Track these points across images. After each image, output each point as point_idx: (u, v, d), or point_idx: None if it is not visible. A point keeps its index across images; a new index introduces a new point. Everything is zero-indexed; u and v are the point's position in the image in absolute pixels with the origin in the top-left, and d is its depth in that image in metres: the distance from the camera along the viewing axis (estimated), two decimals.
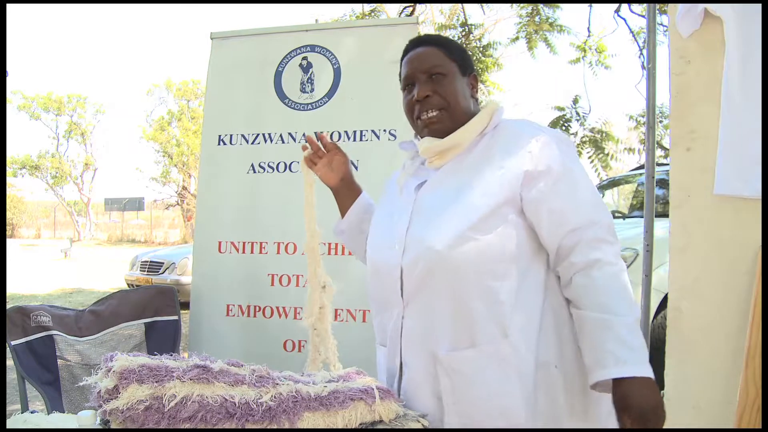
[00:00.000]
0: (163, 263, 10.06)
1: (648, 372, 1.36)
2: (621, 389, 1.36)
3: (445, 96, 1.64)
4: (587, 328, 1.43)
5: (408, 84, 1.69)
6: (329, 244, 3.33)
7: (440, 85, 1.64)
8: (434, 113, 1.64)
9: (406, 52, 1.73)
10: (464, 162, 1.61)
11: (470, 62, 1.74)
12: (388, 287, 1.61)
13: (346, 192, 1.95)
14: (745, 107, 2.09)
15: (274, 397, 1.37)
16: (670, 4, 2.40)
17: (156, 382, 1.33)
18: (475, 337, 1.49)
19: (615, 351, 1.36)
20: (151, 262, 10.27)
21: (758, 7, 2.06)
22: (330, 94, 3.52)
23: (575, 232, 1.47)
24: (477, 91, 1.73)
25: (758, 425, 1.85)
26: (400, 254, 1.57)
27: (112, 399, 1.31)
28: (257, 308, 3.47)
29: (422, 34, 1.84)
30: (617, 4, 7.25)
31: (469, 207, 1.50)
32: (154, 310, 3.29)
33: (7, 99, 28.82)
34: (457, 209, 1.51)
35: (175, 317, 3.32)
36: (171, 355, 1.47)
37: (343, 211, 1.97)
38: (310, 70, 3.58)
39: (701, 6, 2.15)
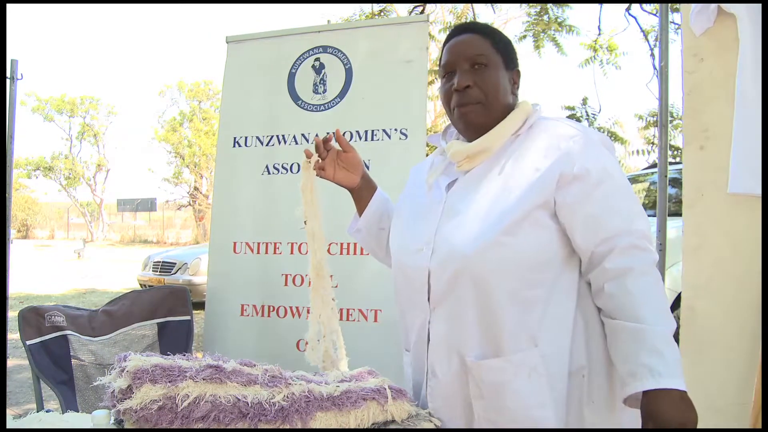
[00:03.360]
0: (175, 263, 10.10)
1: (681, 385, 1.29)
2: (652, 401, 1.29)
3: (485, 88, 1.55)
4: (620, 338, 1.37)
5: (448, 71, 1.60)
6: (341, 243, 3.33)
7: (482, 76, 1.55)
8: (472, 106, 1.55)
9: (449, 37, 1.63)
10: (496, 164, 1.53)
11: (515, 56, 1.64)
12: (414, 290, 1.56)
13: (365, 191, 1.90)
14: (760, 105, 2.07)
15: (287, 397, 1.37)
16: (683, 4, 2.39)
17: (169, 382, 1.33)
18: (503, 345, 1.44)
19: (649, 363, 1.30)
20: (163, 262, 10.32)
21: None
22: (342, 94, 3.53)
23: (610, 239, 1.41)
24: (518, 88, 1.64)
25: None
26: (429, 257, 1.52)
27: (125, 399, 1.31)
28: (271, 308, 3.48)
29: (468, 21, 1.77)
30: (628, 3, 7.21)
31: (501, 211, 1.44)
32: (167, 311, 3.30)
33: (22, 102, 29.07)
34: (488, 213, 1.45)
35: (188, 317, 3.33)
36: (184, 355, 1.48)
37: (361, 209, 1.91)
38: (323, 71, 3.59)
39: (714, 4, 2.14)
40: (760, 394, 1.85)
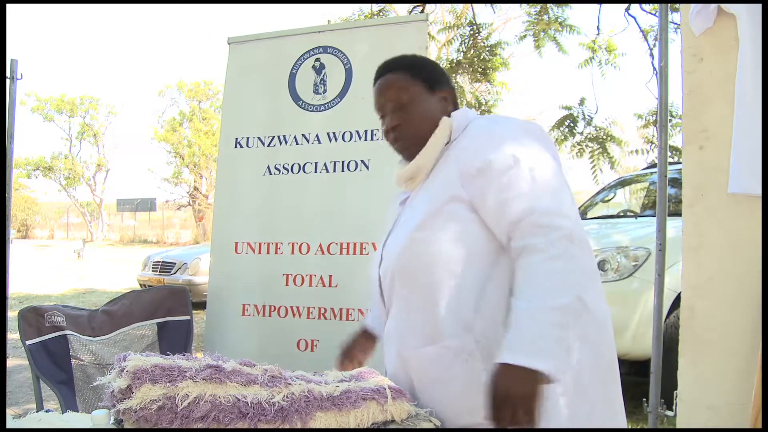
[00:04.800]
0: (175, 263, 10.09)
1: (525, 362, 1.29)
2: (502, 373, 1.31)
3: (411, 124, 1.66)
4: (511, 316, 1.39)
5: (380, 115, 1.74)
6: (341, 243, 3.34)
7: (406, 112, 1.67)
8: (404, 141, 1.68)
9: (375, 80, 1.77)
10: (429, 176, 1.65)
11: (440, 77, 1.74)
12: (376, 296, 1.73)
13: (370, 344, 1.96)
14: (759, 105, 2.07)
15: (287, 396, 1.37)
16: (682, 4, 2.38)
17: (169, 382, 1.34)
18: (438, 335, 1.51)
19: (508, 338, 1.34)
20: (163, 262, 10.31)
21: None
22: (342, 94, 3.53)
23: (515, 222, 1.42)
24: (454, 103, 1.73)
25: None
26: (381, 265, 1.69)
27: (125, 399, 1.31)
28: (272, 308, 3.49)
29: (387, 60, 1.81)
30: (628, 3, 7.20)
31: (415, 211, 1.60)
32: (167, 311, 3.30)
33: (21, 101, 29.07)
34: (412, 217, 1.59)
35: (188, 317, 3.33)
36: (183, 355, 1.48)
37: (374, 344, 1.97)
38: (323, 71, 3.60)
39: (714, 4, 2.14)
40: (760, 394, 1.85)
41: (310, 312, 3.38)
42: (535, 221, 1.40)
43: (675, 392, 2.28)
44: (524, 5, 8.08)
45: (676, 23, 5.14)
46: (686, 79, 2.30)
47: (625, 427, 1.57)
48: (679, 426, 2.23)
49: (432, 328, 1.52)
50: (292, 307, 3.44)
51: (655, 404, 2.79)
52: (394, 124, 1.68)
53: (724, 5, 2.12)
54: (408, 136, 1.67)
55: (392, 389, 1.47)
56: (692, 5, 2.20)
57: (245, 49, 3.85)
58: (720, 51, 2.20)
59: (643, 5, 7.35)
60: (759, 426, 1.85)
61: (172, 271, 9.96)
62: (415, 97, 1.67)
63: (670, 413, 2.94)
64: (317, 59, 3.63)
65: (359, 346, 1.91)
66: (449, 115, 1.67)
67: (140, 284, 10.22)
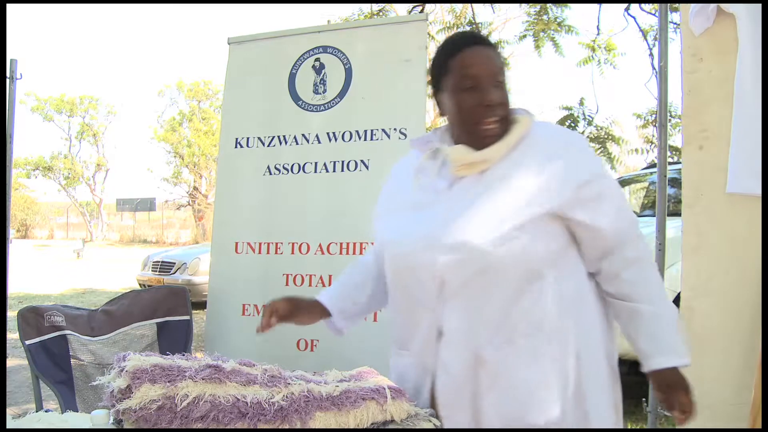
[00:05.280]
0: (174, 263, 10.09)
1: (684, 361, 1.56)
2: (671, 373, 1.55)
3: (505, 105, 1.58)
4: (641, 320, 1.56)
5: (470, 86, 1.56)
6: (341, 243, 3.35)
7: (503, 93, 1.57)
8: (498, 122, 1.56)
9: (458, 47, 1.60)
10: (499, 169, 1.56)
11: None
12: (422, 287, 1.57)
13: (307, 312, 1.86)
14: (759, 105, 2.07)
15: (286, 396, 1.37)
16: (682, 4, 2.39)
17: (168, 381, 1.34)
18: (515, 333, 1.51)
19: (672, 343, 1.56)
20: (162, 262, 10.32)
21: None
22: (342, 94, 3.53)
23: (623, 232, 1.57)
24: None
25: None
26: (441, 255, 1.53)
27: (125, 398, 1.31)
28: None
29: (465, 31, 1.76)
30: (627, 3, 7.20)
31: (514, 210, 1.50)
32: (166, 310, 3.30)
33: (21, 101, 29.05)
34: (501, 211, 1.51)
35: (187, 317, 3.33)
36: (183, 355, 1.48)
37: (320, 318, 1.87)
38: (323, 71, 3.60)
39: (713, 4, 2.14)
40: (760, 394, 1.85)
41: None
42: (639, 234, 1.60)
43: None
44: (524, 5, 8.08)
45: (675, 23, 5.14)
46: (686, 79, 2.30)
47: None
48: (680, 426, 2.23)
49: (508, 327, 1.51)
50: None
51: (655, 404, 2.79)
52: (498, 101, 1.55)
53: (723, 5, 2.12)
54: (501, 116, 1.56)
55: (392, 389, 1.47)
56: (692, 5, 2.20)
57: (245, 49, 3.85)
58: (720, 51, 2.20)
59: (643, 5, 7.34)
60: (759, 426, 1.85)
61: (172, 271, 9.97)
62: (505, 82, 1.59)
63: (668, 412, 2.95)
64: (317, 59, 3.62)
65: (305, 311, 1.82)
66: None
67: (140, 284, 10.23)
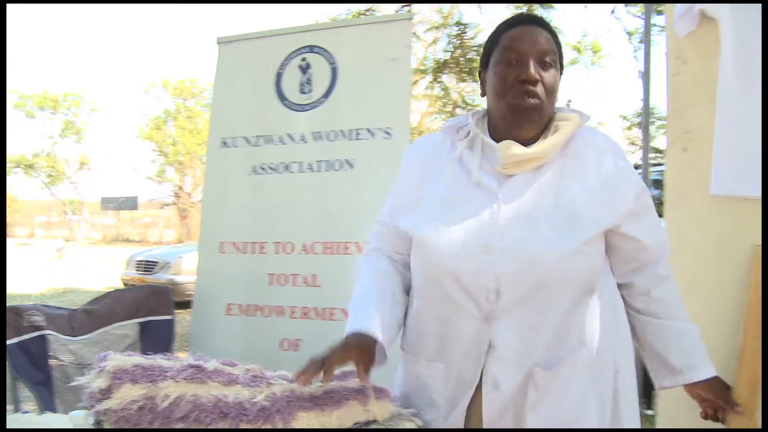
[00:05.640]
0: (158, 262, 10.04)
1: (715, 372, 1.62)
2: (713, 382, 1.61)
3: (548, 88, 1.48)
4: (671, 335, 1.59)
5: (513, 60, 1.48)
6: (324, 243, 3.36)
7: (548, 74, 1.48)
8: (536, 101, 1.47)
9: (511, 25, 1.53)
10: (550, 171, 1.49)
11: (563, 64, 1.59)
12: (469, 295, 1.45)
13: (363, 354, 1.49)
14: (741, 108, 2.09)
15: (268, 396, 1.36)
16: (667, 5, 2.40)
17: (150, 382, 1.32)
18: (565, 350, 1.45)
19: (703, 356, 1.60)
20: (146, 261, 10.26)
21: (756, 8, 2.06)
22: (327, 93, 3.53)
23: (657, 250, 1.59)
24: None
25: (753, 426, 1.85)
26: (499, 261, 1.41)
27: (105, 399, 1.30)
28: (256, 307, 3.50)
29: (533, 14, 1.71)
30: (613, 5, 7.26)
31: (586, 223, 1.43)
32: (149, 310, 3.28)
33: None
34: (564, 222, 1.42)
35: (170, 317, 3.31)
36: (165, 355, 1.47)
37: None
38: (309, 71, 3.60)
39: (698, 7, 2.16)
40: (738, 395, 1.86)
41: (294, 311, 3.38)
42: (666, 253, 1.63)
43: (654, 391, 2.30)
44: (511, 5, 8.11)
45: (660, 26, 5.18)
46: (670, 82, 2.31)
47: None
48: (659, 424, 2.25)
49: (559, 344, 1.44)
50: (275, 307, 3.44)
51: (636, 403, 2.80)
52: (537, 76, 1.46)
53: (706, 9, 2.14)
54: (539, 96, 1.47)
55: (375, 389, 1.46)
56: (676, 8, 2.21)
57: (234, 49, 3.86)
58: (703, 54, 2.21)
59: (629, 8, 7.40)
60: (756, 426, 1.86)
61: (155, 271, 9.93)
62: (555, 67, 1.51)
63: (650, 412, 2.99)
64: (303, 59, 3.63)
65: (357, 357, 1.46)
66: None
67: (124, 283, 10.18)
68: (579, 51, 8.06)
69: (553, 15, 7.77)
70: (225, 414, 1.31)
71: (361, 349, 1.46)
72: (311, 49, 3.62)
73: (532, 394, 1.43)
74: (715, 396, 1.63)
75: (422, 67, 9.65)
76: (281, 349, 3.37)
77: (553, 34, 1.54)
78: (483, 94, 1.60)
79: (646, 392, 2.91)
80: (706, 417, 1.69)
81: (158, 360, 1.41)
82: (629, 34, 7.53)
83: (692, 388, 1.64)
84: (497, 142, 1.50)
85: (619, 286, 1.61)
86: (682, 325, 1.60)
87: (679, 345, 1.59)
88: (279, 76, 3.66)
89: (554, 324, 1.44)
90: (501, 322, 1.43)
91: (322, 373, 1.39)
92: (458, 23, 8.67)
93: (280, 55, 3.68)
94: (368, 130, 3.37)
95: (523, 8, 7.62)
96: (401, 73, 3.39)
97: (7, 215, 36.69)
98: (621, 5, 7.34)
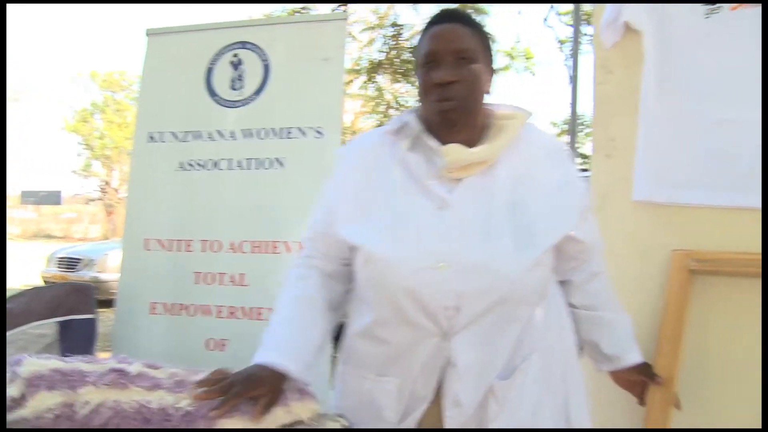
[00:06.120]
0: (81, 260, 9.74)
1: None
2: (643, 366, 1.74)
3: (469, 85, 1.44)
4: (606, 326, 1.67)
5: (430, 61, 1.45)
6: (252, 242, 3.33)
7: (467, 71, 1.43)
8: (453, 102, 1.42)
9: (431, 24, 1.50)
10: (498, 175, 1.46)
11: (493, 55, 1.55)
12: (425, 311, 1.40)
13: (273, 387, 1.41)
14: (662, 117, 2.17)
15: (192, 403, 1.33)
16: (594, 15, 2.46)
17: (69, 388, 1.28)
18: (518, 358, 1.46)
19: (633, 344, 1.71)
20: (69, 258, 9.93)
21: (678, 21, 2.14)
22: (259, 90, 3.49)
23: (596, 251, 1.66)
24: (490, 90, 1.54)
25: (665, 425, 1.92)
26: (460, 278, 1.37)
27: (17, 408, 1.24)
28: (181, 306, 3.42)
29: (450, 8, 1.66)
30: (546, 13, 7.43)
31: (545, 232, 1.43)
32: (69, 309, 3.16)
33: None
34: (520, 233, 1.40)
35: (92, 316, 3.20)
36: (85, 357, 1.42)
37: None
38: (241, 67, 3.55)
39: (623, 18, 2.22)
40: (653, 394, 1.92)
41: (220, 311, 3.33)
42: (600, 248, 1.69)
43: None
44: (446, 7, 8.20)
45: (589, 35, 5.33)
46: (596, 90, 2.37)
47: None
48: (593, 426, 2.30)
49: (514, 353, 1.44)
50: (201, 306, 3.38)
51: (585, 407, 2.87)
52: (450, 79, 1.41)
53: (631, 21, 2.21)
54: (459, 96, 1.42)
55: (297, 389, 1.43)
56: (602, 19, 2.27)
57: (163, 42, 3.76)
58: (628, 64, 2.28)
59: (561, 16, 7.59)
60: (666, 425, 1.92)
61: (78, 268, 9.61)
62: (476, 62, 1.45)
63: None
64: (235, 54, 3.57)
65: (264, 393, 1.36)
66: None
67: (44, 281, 9.80)
68: (512, 57, 8.22)
69: (487, 21, 7.90)
70: (148, 420, 1.28)
71: (270, 386, 1.37)
72: (243, 45, 3.57)
73: (492, 406, 1.42)
74: (640, 375, 1.74)
75: (357, 67, 9.67)
76: (207, 349, 3.32)
77: (475, 27, 1.51)
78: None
79: None
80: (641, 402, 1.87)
81: (78, 363, 1.37)
82: (561, 42, 7.72)
83: (620, 375, 1.75)
84: (438, 142, 1.47)
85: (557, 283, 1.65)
86: (614, 316, 1.68)
87: (611, 335, 1.68)
88: (210, 71, 3.59)
89: (513, 336, 1.44)
90: (460, 338, 1.40)
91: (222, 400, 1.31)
92: (394, 24, 8.73)
93: (211, 50, 3.61)
94: (299, 129, 3.35)
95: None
96: (334, 73, 3.38)
97: None
98: (553, 14, 7.53)
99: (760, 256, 1.94)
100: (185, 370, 1.46)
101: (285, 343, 1.47)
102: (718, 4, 2.10)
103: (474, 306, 1.38)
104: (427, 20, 1.54)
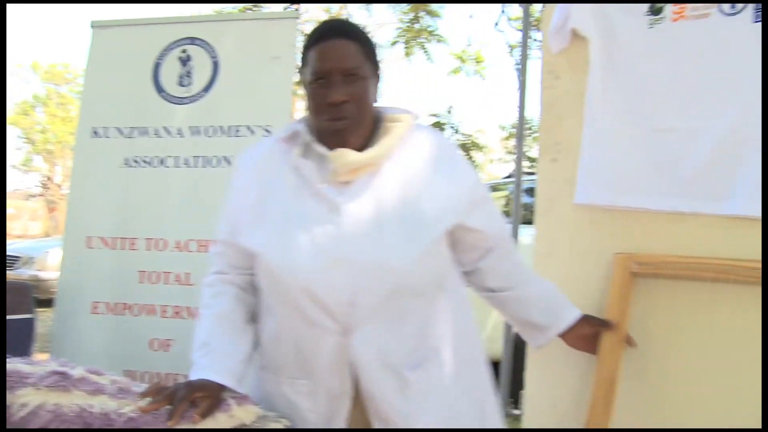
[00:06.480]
0: (20, 257, 9.44)
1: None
2: (587, 318, 1.80)
3: (359, 103, 1.47)
4: (533, 298, 1.72)
5: (320, 79, 1.47)
6: (199, 240, 3.29)
7: (357, 88, 1.47)
8: (346, 121, 1.47)
9: (318, 38, 1.50)
10: (386, 174, 1.50)
11: (379, 62, 1.58)
12: (325, 310, 1.43)
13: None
14: (606, 122, 2.21)
15: (135, 410, 1.31)
16: (543, 21, 2.50)
17: (7, 389, 1.24)
18: (428, 348, 1.50)
19: (566, 302, 1.77)
20: (8, 256, 9.62)
21: (623, 28, 2.19)
22: (207, 87, 3.47)
23: (503, 234, 1.72)
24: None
25: (605, 423, 1.97)
26: (352, 274, 1.41)
27: None
28: (124, 306, 3.38)
29: (334, 19, 1.65)
30: (497, 18, 7.53)
31: (428, 224, 1.47)
32: (7, 308, 3.08)
33: None
34: (410, 226, 1.44)
35: (30, 315, 3.13)
36: (25, 359, 1.39)
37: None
38: (189, 63, 3.51)
39: (570, 25, 2.26)
40: (596, 393, 1.96)
41: (165, 310, 3.30)
42: (506, 235, 1.76)
43: (521, 391, 2.40)
44: (397, 12, 8.23)
45: (539, 41, 5.41)
46: (544, 95, 2.41)
47: None
48: (525, 424, 2.34)
49: (423, 344, 1.49)
50: (145, 305, 3.33)
51: (503, 403, 2.92)
52: (341, 99, 1.44)
53: (578, 28, 2.25)
54: (350, 115, 1.46)
55: (234, 397, 1.42)
56: (550, 25, 2.31)
57: (109, 35, 3.70)
58: (574, 70, 2.32)
59: (512, 21, 7.69)
60: (606, 423, 1.97)
61: (17, 266, 9.31)
62: (364, 76, 1.49)
63: (517, 411, 3.18)
64: (184, 50, 3.53)
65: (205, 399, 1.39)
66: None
67: None
68: (462, 60, 8.29)
69: (439, 23, 7.97)
70: (89, 425, 1.26)
71: (211, 391, 1.39)
72: (192, 41, 3.53)
73: (412, 398, 1.47)
74: (590, 326, 1.81)
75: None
76: (151, 349, 3.28)
77: (362, 40, 1.52)
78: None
79: (514, 392, 3.04)
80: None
81: (18, 364, 1.33)
82: (511, 47, 7.83)
83: (571, 336, 1.78)
84: (327, 148, 1.50)
85: (467, 274, 1.71)
86: (535, 288, 1.74)
87: (539, 305, 1.72)
88: (157, 66, 3.54)
89: (414, 329, 1.49)
90: (359, 333, 1.44)
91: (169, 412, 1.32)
92: None
93: (159, 45, 3.57)
94: (248, 127, 3.33)
95: (408, 15, 7.75)
96: (284, 71, 3.38)
97: None
98: (504, 18, 7.63)
99: (699, 260, 2.00)
100: (127, 378, 1.45)
101: (215, 362, 1.48)
102: (660, 15, 2.15)
103: (368, 300, 1.43)
104: (312, 33, 1.54)
